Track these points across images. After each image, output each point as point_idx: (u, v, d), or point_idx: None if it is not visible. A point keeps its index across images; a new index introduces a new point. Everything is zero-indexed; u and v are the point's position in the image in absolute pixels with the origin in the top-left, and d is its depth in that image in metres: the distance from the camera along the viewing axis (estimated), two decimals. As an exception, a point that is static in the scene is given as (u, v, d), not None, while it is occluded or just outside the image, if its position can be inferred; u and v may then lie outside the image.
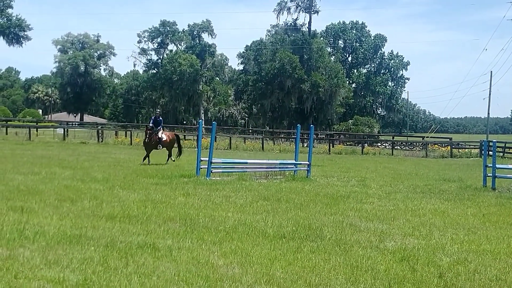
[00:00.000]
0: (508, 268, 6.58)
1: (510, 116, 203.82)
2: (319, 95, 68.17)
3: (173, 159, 21.70)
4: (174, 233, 7.63)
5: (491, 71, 68.31)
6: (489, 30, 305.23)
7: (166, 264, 5.98)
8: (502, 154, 40.79)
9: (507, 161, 33.89)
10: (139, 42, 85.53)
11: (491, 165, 16.30)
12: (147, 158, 20.63)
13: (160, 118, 22.29)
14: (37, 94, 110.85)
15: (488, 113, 74.21)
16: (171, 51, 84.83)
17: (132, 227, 7.87)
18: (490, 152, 19.29)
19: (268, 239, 7.54)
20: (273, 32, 78.06)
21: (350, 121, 73.82)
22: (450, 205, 12.34)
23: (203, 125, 57.28)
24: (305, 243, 7.45)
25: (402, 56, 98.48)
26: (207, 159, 15.87)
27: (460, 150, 44.63)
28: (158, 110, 22.79)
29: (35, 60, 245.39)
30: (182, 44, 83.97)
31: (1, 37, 64.44)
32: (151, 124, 21.75)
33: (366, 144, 46.47)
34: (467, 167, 27.20)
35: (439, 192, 14.98)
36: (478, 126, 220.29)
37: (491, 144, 20.28)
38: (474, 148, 44.29)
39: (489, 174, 16.36)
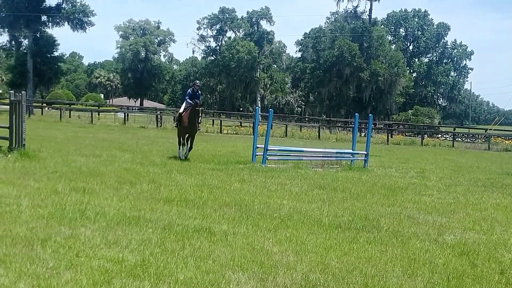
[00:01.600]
0: None
1: None
2: (378, 84, 66.92)
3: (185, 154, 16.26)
4: (229, 218, 7.69)
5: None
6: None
7: (222, 248, 6.04)
8: None
9: None
10: (198, 29, 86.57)
11: (560, 160, 15.57)
12: (184, 147, 16.25)
13: (199, 92, 17.02)
14: (99, 79, 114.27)
15: (557, 106, 70.80)
16: (229, 38, 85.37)
17: (188, 211, 8.00)
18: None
19: (324, 228, 7.49)
20: (333, 20, 77.12)
21: (410, 111, 72.13)
22: (514, 200, 11.88)
23: (260, 113, 57.60)
24: (361, 233, 7.35)
25: (465, 45, 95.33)
26: (263, 146, 15.90)
27: (525, 143, 42.83)
28: (198, 82, 17.62)
29: (98, 45, 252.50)
30: (241, 31, 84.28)
31: (66, 23, 66.50)
32: (189, 100, 16.24)
33: (426, 135, 45.37)
34: (533, 162, 26.11)
35: (502, 186, 14.44)
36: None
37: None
38: (541, 141, 42.40)
39: (557, 170, 15.64)
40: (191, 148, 16.27)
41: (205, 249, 5.94)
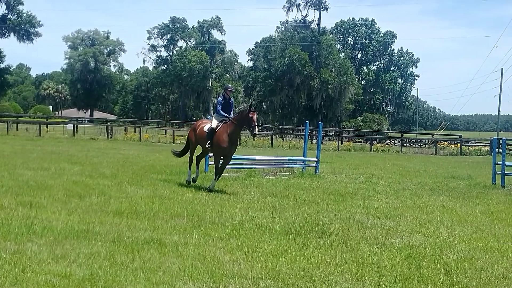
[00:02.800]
0: (515, 266, 6.55)
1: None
2: (328, 92, 68.00)
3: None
4: (181, 229, 7.66)
5: (502, 68, 67.67)
6: (501, 26, 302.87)
7: (172, 259, 6.01)
8: (512, 151, 40.50)
9: (518, 159, 33.65)
10: (149, 38, 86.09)
11: (501, 162, 16.20)
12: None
13: (232, 100, 13.31)
14: (47, 91, 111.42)
15: (499, 111, 73.43)
16: (180, 47, 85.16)
17: (139, 223, 7.91)
18: (500, 150, 19.14)
19: (275, 235, 7.56)
20: (283, 29, 78.02)
21: (360, 118, 73.50)
22: (459, 202, 12.30)
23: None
24: (311, 239, 7.46)
25: (412, 53, 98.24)
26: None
27: (470, 147, 44.34)
28: (231, 86, 13.87)
29: (45, 56, 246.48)
30: (192, 40, 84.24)
31: (12, 34, 64.87)
32: (223, 112, 12.72)
33: (375, 141, 46.32)
34: (477, 165, 27.05)
35: (448, 189, 14.93)
36: (488, 123, 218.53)
37: (500, 141, 20.12)
38: (484, 145, 44.00)
39: (498, 172, 16.26)
40: (221, 172, 12.81)
41: (156, 261, 5.90)
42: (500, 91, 67.58)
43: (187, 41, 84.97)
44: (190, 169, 13.35)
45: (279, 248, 6.82)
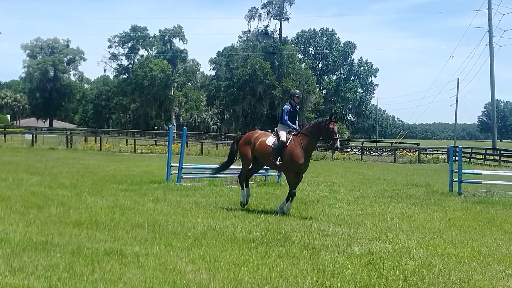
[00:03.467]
0: (471, 271, 6.72)
1: (477, 123, 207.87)
2: (290, 101, 68.52)
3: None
4: (142, 240, 7.58)
5: (458, 78, 69.45)
6: (457, 37, 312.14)
7: (133, 270, 5.95)
8: (468, 159, 41.69)
9: (473, 166, 34.61)
10: (110, 47, 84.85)
11: (457, 170, 16.63)
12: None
13: (298, 107, 11.99)
14: (5, 100, 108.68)
15: (456, 119, 75.65)
16: (142, 56, 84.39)
17: (99, 234, 7.80)
18: (456, 158, 19.66)
19: (237, 245, 7.56)
20: (245, 39, 78.23)
21: (321, 127, 74.34)
22: (417, 209, 12.55)
23: (175, 131, 57.10)
24: (273, 248, 7.49)
25: (371, 63, 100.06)
26: (178, 164, 15.82)
27: (427, 155, 45.42)
28: (298, 92, 12.11)
29: (3, 65, 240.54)
30: (153, 49, 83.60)
31: (-33, 41, 63.23)
32: (290, 123, 11.38)
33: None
34: (434, 172, 27.68)
35: (406, 196, 15.22)
36: (446, 132, 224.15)
37: (457, 149, 20.66)
38: (442, 153, 45.10)
39: (455, 179, 16.67)
40: (294, 194, 11.30)
41: (116, 272, 5.83)
42: (457, 101, 69.50)
43: (149, 49, 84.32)
44: (243, 188, 11.73)
45: (241, 257, 6.84)
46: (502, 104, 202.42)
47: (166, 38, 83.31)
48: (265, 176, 18.23)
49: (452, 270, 6.74)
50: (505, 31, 75.37)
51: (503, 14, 73.00)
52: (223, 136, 67.99)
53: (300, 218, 10.36)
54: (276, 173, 18.16)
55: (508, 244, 8.56)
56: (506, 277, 6.53)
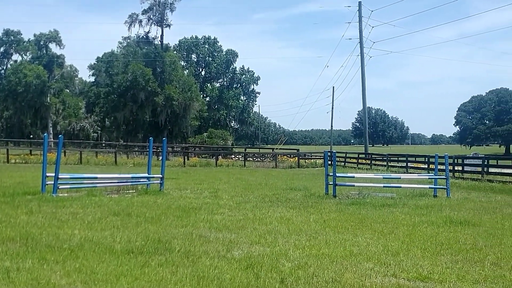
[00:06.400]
0: (343, 270, 7.05)
1: (351, 129, 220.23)
2: (173, 108, 67.99)
3: None
4: (13, 254, 7.18)
5: (333, 87, 73.12)
6: (331, 48, 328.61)
7: (3, 287, 5.62)
8: (343, 163, 43.98)
9: (348, 170, 36.62)
10: (-21, 51, 78.93)
11: (332, 174, 17.50)
12: None
13: None
14: None
15: (332, 126, 79.23)
16: (15, 61, 79.42)
17: (-37, 251, 7.26)
18: (331, 162, 20.69)
19: (116, 255, 7.39)
20: (125, 44, 76.40)
21: (205, 134, 74.60)
22: (295, 212, 12.99)
23: (51, 139, 54.36)
24: (153, 257, 7.41)
25: (252, 71, 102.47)
26: (54, 174, 15.13)
27: (306, 160, 47.20)
28: None
29: None
30: (28, 54, 78.98)
31: None
32: None
33: (220, 156, 47.31)
34: (313, 176, 28.88)
35: (286, 200, 15.73)
36: (323, 138, 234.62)
37: (331, 154, 21.74)
38: (319, 158, 47.08)
39: (330, 183, 17.53)
40: None
41: (-18, 291, 5.47)
42: (332, 108, 72.92)
43: (23, 54, 79.53)
44: None
45: (119, 268, 6.69)
46: (373, 111, 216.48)
47: (41, 43, 79.13)
48: (147, 184, 17.97)
49: (325, 269, 7.05)
50: (374, 42, 79.42)
51: (372, 27, 77.62)
52: (104, 145, 65.90)
53: (181, 226, 10.32)
54: (159, 181, 17.97)
55: (377, 242, 9.10)
56: (375, 274, 6.94)
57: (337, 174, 17.63)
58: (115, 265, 6.83)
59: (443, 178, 18.40)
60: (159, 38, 72.08)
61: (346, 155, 47.50)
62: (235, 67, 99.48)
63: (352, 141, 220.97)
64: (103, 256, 7.30)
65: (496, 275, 6.93)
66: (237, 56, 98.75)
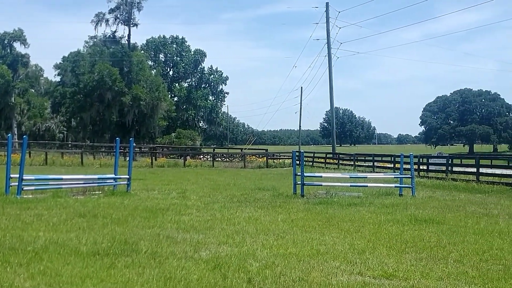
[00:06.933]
0: (310, 268, 7.11)
1: (319, 129, 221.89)
2: (140, 108, 67.38)
3: None
4: (-26, 259, 7.02)
5: (302, 87, 73.27)
6: (299, 48, 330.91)
7: (-37, 292, 5.51)
8: (311, 163, 44.29)
9: (316, 170, 36.88)
10: None
11: (300, 173, 17.61)
12: None
13: None
14: None
15: (300, 126, 79.62)
16: (-22, 61, 77.56)
17: None
18: (299, 162, 20.81)
19: (81, 257, 7.30)
20: (92, 44, 75.34)
21: (173, 134, 74.19)
22: (263, 212, 13.03)
23: (15, 140, 53.20)
24: (119, 258, 7.35)
25: (221, 71, 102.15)
26: (18, 176, 14.86)
27: (275, 160, 47.40)
28: None
29: None
30: (-9, 53, 77.23)
31: None
32: None
33: (188, 157, 47.08)
34: (281, 176, 29.03)
35: (254, 200, 15.77)
36: (292, 138, 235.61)
37: (299, 154, 21.89)
38: (288, 158, 47.32)
39: (298, 182, 17.64)
40: None
41: None
42: (300, 108, 73.19)
43: (-15, 54, 77.78)
44: None
45: (85, 270, 6.61)
46: (341, 112, 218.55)
47: (5, 42, 77.50)
48: (114, 185, 17.78)
49: (292, 268, 7.10)
50: (341, 43, 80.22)
51: (340, 28, 77.91)
52: (70, 145, 64.95)
53: (148, 227, 10.26)
54: (126, 182, 17.80)
55: (344, 241, 9.21)
56: (341, 272, 7.02)
57: (305, 174, 17.76)
58: (81, 267, 6.75)
59: (409, 177, 18.72)
60: (126, 38, 71.36)
61: (314, 155, 47.84)
62: (204, 67, 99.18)
63: (320, 141, 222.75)
64: (69, 258, 7.21)
65: (459, 272, 7.09)
66: (205, 56, 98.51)
